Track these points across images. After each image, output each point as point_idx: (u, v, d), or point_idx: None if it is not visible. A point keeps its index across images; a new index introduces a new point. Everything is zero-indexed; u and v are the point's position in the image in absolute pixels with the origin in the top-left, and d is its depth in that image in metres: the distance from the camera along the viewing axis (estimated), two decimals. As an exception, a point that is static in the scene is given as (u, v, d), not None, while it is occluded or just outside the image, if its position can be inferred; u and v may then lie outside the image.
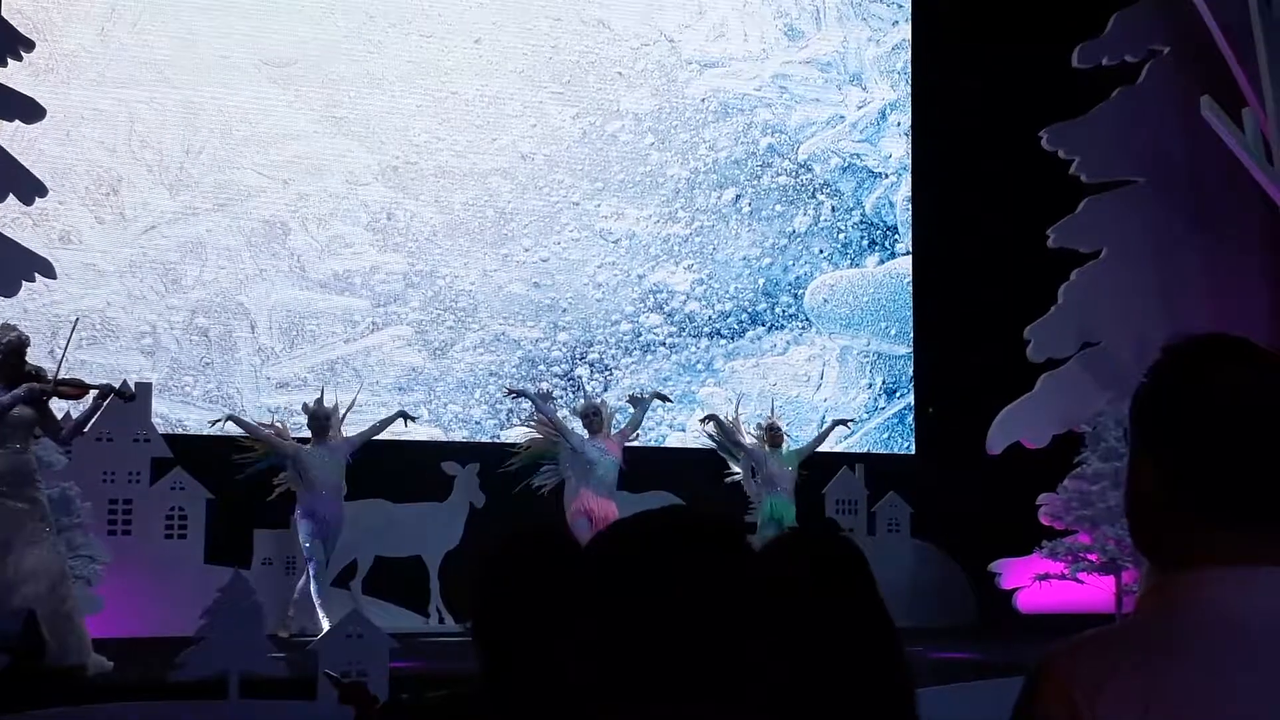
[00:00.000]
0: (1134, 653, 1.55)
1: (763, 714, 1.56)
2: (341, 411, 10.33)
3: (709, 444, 11.28)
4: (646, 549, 1.58)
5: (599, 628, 1.56)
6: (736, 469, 11.02)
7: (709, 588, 1.56)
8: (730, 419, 11.02)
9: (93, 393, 8.49)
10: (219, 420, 10.40)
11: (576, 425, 10.77)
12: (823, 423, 13.40)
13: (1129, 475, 1.67)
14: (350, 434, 10.40)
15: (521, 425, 11.27)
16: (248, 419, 10.53)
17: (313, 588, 10.09)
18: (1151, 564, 1.64)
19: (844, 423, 11.85)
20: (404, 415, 10.70)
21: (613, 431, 10.60)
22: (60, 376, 8.26)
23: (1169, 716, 1.51)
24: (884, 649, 2.43)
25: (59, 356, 8.32)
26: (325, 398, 10.45)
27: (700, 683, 1.52)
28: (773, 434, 10.93)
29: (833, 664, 2.33)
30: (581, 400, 11.42)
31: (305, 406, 10.42)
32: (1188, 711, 1.51)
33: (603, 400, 11.23)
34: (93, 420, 8.69)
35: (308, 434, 10.34)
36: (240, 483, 10.26)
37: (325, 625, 9.38)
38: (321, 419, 10.26)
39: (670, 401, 11.73)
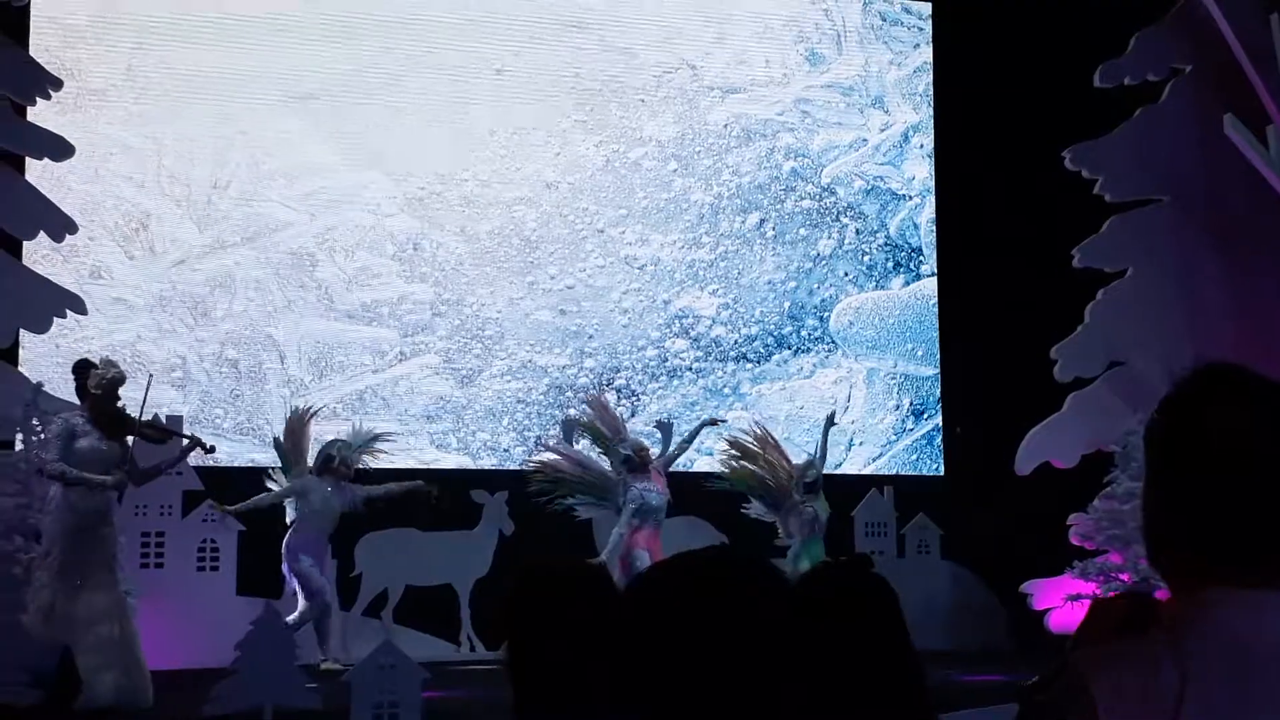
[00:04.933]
0: (1144, 667, 1.59)
1: None
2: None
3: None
4: (687, 592, 1.63)
5: (640, 665, 1.61)
6: (761, 510, 10.87)
7: (752, 630, 1.60)
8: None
9: (183, 440, 8.67)
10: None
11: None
12: (851, 445, 13.43)
13: (1143, 498, 1.73)
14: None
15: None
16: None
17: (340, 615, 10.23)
18: (1165, 583, 1.70)
19: (714, 422, 11.42)
20: (429, 491, 10.70)
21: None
22: (142, 419, 8.38)
23: None
24: (906, 678, 2.48)
25: (140, 399, 8.43)
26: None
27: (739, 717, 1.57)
28: (815, 485, 10.79)
29: (859, 692, 2.39)
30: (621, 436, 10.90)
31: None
32: None
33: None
34: (174, 467, 8.90)
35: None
36: (269, 516, 10.34)
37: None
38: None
39: (725, 422, 11.53)
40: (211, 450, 8.98)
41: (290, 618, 9.58)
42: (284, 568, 10.19)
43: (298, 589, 10.11)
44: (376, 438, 10.83)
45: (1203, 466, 1.66)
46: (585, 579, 2.52)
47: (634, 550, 9.97)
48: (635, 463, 10.31)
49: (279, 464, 10.51)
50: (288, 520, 10.30)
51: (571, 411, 12.20)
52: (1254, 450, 1.64)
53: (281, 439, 10.52)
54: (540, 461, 10.69)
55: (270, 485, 10.48)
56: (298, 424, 10.57)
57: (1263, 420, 1.66)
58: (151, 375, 8.92)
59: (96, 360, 8.53)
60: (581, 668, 2.35)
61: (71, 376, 8.59)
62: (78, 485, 7.95)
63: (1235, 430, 1.66)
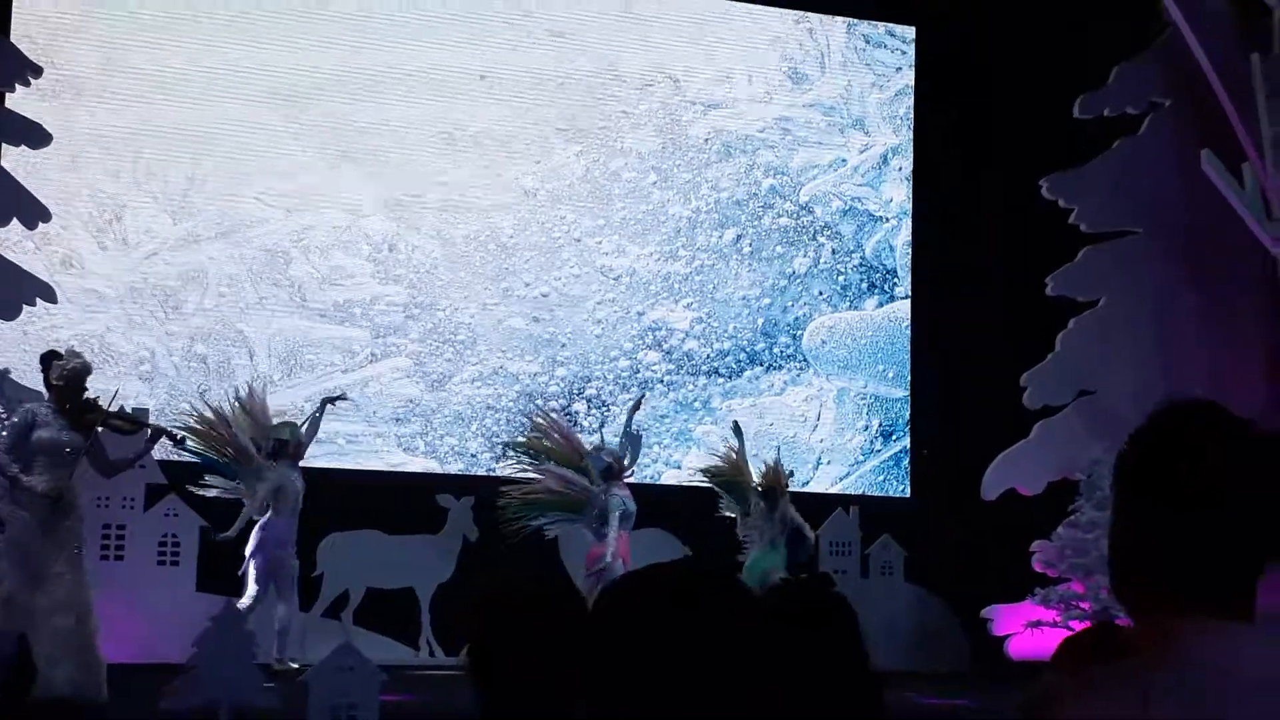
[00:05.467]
0: (1110, 697, 1.61)
1: None
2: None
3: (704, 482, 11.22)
4: (658, 605, 1.65)
5: (612, 676, 1.63)
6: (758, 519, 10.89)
7: (721, 641, 1.63)
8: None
9: (146, 431, 8.61)
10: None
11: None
12: (818, 464, 13.46)
13: (1110, 528, 1.75)
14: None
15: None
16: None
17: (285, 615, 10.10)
18: (1127, 611, 1.72)
19: (638, 405, 11.26)
20: (328, 400, 10.70)
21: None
22: (111, 409, 8.32)
23: None
24: (861, 696, 2.51)
25: (111, 390, 8.39)
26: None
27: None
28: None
29: (814, 708, 2.41)
30: (597, 445, 10.87)
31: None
32: None
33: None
34: (141, 459, 8.82)
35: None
36: (229, 512, 10.25)
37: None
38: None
39: (645, 397, 11.69)
40: (181, 441, 8.93)
41: (243, 603, 9.48)
42: (257, 558, 10.01)
43: (255, 576, 9.95)
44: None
45: (1173, 500, 1.67)
46: (552, 591, 2.53)
47: (616, 561, 10.00)
48: (615, 470, 10.37)
49: (215, 465, 10.39)
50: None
51: (539, 421, 12.18)
52: (1224, 485, 1.66)
53: (225, 444, 10.36)
54: (517, 484, 10.64)
55: (209, 492, 10.36)
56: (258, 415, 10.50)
57: (1233, 456, 1.68)
58: (117, 390, 8.84)
59: (62, 351, 8.49)
60: (551, 680, 2.35)
61: (35, 366, 8.54)
62: (12, 482, 7.88)
63: (1206, 465, 1.67)
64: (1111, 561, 1.74)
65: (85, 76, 11.85)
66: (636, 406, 11.21)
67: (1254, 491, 1.66)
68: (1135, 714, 1.57)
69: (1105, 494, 11.08)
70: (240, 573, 10.00)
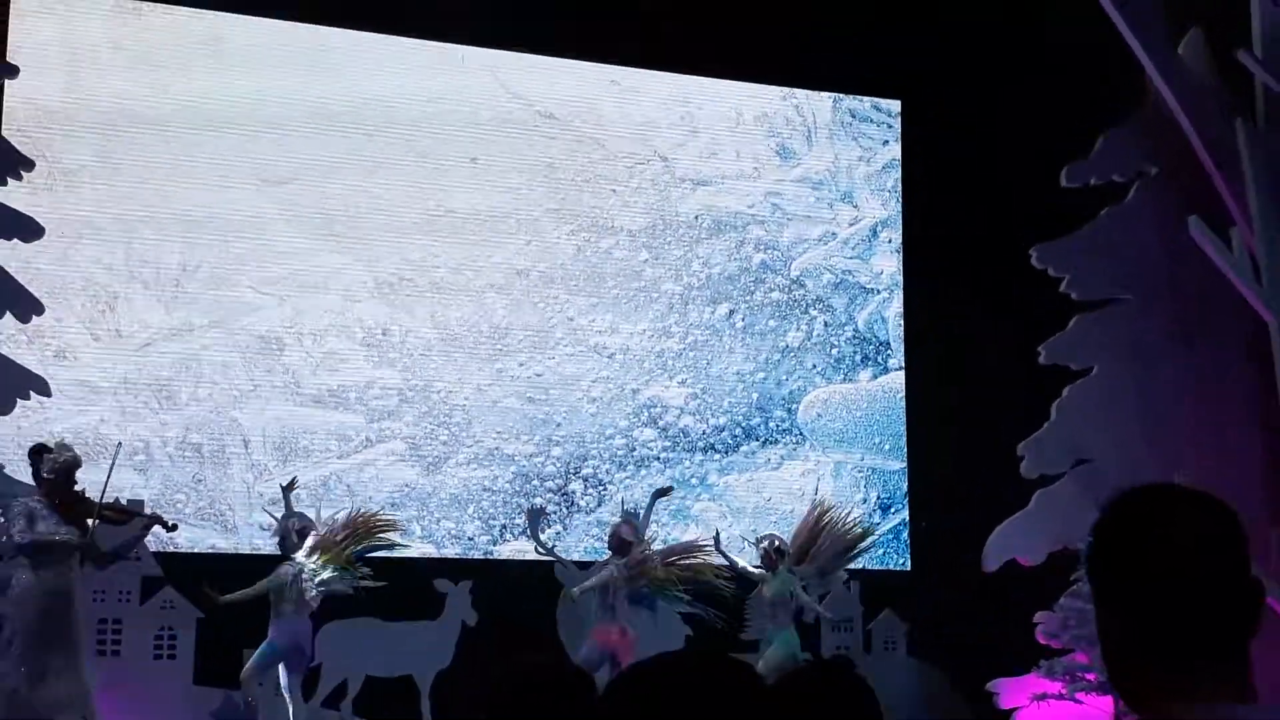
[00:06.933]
0: None
1: None
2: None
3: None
4: (671, 695, 1.64)
5: None
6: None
7: None
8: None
9: (137, 520, 8.54)
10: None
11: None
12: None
13: (1096, 620, 1.76)
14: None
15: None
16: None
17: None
18: (1125, 701, 1.72)
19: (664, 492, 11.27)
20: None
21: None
22: (104, 501, 8.27)
23: None
24: None
25: (103, 481, 8.27)
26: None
27: None
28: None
29: None
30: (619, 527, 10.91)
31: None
32: None
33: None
34: (134, 548, 8.75)
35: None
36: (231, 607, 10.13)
37: None
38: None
39: (671, 490, 11.52)
40: (173, 529, 8.86)
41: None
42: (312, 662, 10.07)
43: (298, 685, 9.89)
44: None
45: (1142, 573, 1.71)
46: (564, 678, 2.51)
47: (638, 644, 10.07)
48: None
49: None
50: (298, 608, 9.97)
51: (537, 500, 12.17)
52: (1190, 553, 1.69)
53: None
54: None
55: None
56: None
57: (1193, 525, 1.71)
58: (120, 444, 8.78)
59: (52, 444, 8.46)
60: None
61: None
62: (46, 551, 7.83)
63: (1169, 536, 1.71)
64: (1103, 653, 1.75)
65: (77, 168, 11.88)
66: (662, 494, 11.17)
67: (1220, 557, 1.65)
68: None
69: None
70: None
